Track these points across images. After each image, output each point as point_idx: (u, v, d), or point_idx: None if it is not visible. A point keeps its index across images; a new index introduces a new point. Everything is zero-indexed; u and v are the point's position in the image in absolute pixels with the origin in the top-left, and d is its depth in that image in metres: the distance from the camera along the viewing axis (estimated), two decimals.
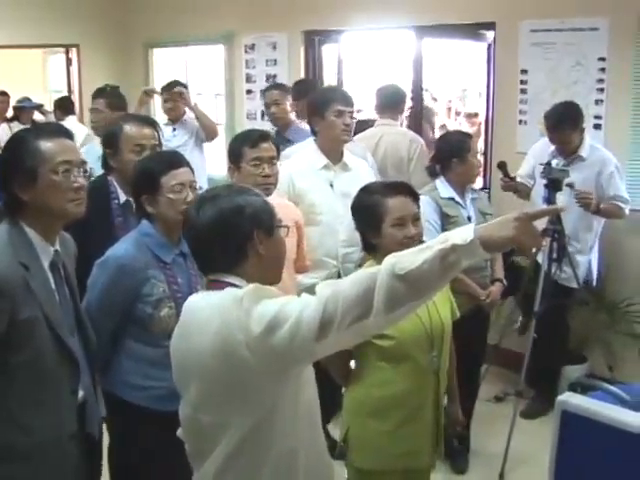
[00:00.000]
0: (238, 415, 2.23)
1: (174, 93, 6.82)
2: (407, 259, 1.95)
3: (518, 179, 5.34)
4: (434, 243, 1.95)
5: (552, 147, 5.25)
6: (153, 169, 3.17)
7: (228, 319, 2.15)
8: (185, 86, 7.09)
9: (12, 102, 9.25)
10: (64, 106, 8.77)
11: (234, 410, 2.23)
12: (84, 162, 2.65)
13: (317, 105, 4.49)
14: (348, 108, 4.40)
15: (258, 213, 2.32)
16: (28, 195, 2.52)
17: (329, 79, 7.82)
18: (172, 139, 6.67)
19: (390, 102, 5.83)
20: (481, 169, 4.77)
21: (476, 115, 9.34)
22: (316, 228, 4.01)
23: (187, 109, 6.94)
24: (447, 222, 4.34)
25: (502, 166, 5.09)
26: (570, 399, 2.05)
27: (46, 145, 2.55)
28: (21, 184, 2.52)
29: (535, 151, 5.51)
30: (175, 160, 3.22)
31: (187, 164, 3.23)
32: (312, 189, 4.32)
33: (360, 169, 4.55)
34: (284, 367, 2.17)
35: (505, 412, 5.08)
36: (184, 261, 3.20)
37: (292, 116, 6.16)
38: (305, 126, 5.32)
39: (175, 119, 6.94)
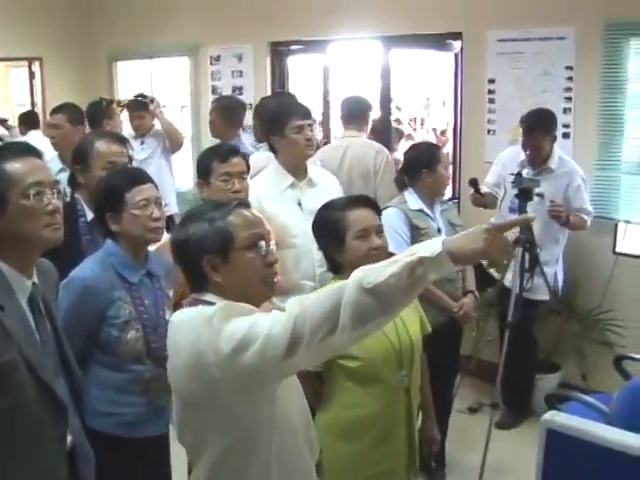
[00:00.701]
0: (213, 434, 2.23)
1: (138, 103, 6.78)
2: (374, 273, 1.91)
3: (485, 188, 5.32)
4: (402, 257, 1.91)
5: (521, 157, 5.23)
6: (117, 185, 3.10)
7: (199, 339, 2.13)
8: (151, 99, 7.03)
9: None
10: (29, 121, 8.65)
11: (209, 429, 2.23)
12: (57, 182, 2.42)
13: (274, 122, 4.27)
14: (307, 121, 4.19)
15: (202, 242, 2.29)
16: (0, 224, 2.29)
17: (295, 91, 7.77)
18: (140, 152, 6.62)
19: (355, 113, 5.73)
20: (450, 180, 4.70)
21: (443, 133, 9.40)
22: (291, 251, 3.76)
23: (156, 121, 6.90)
24: (417, 234, 4.29)
25: (474, 183, 5.05)
26: (555, 418, 2.01)
27: (14, 167, 2.31)
28: None
29: (503, 159, 5.49)
30: (139, 176, 3.17)
31: (151, 180, 3.17)
32: (281, 211, 4.06)
33: (325, 182, 4.38)
34: (255, 385, 2.14)
35: (479, 423, 5.06)
36: (150, 281, 3.14)
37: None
38: None
39: (143, 132, 6.88)
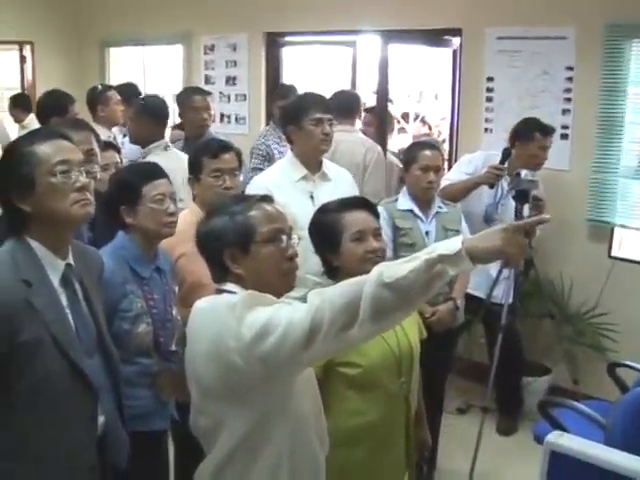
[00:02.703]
0: (229, 420, 2.28)
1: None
2: (394, 268, 1.97)
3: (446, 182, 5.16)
4: (422, 254, 1.96)
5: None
6: (133, 179, 3.15)
7: (221, 326, 2.20)
8: (137, 89, 6.95)
9: None
10: (23, 103, 8.53)
11: (225, 415, 2.29)
12: (85, 161, 2.48)
13: (293, 113, 4.21)
14: (327, 115, 4.14)
15: (224, 235, 2.38)
16: (29, 205, 2.34)
17: (289, 81, 7.70)
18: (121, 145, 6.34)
19: (346, 107, 5.64)
20: (432, 183, 4.46)
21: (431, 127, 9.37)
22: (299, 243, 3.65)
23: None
24: (398, 235, 4.25)
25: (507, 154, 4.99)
26: (559, 440, 1.94)
27: (40, 148, 2.36)
28: (20, 194, 2.34)
29: (481, 161, 5.26)
30: (155, 171, 3.23)
31: (166, 175, 3.22)
32: (291, 203, 3.87)
33: (339, 178, 4.31)
34: (273, 374, 2.18)
35: (468, 425, 5.05)
36: (159, 276, 3.17)
37: None
38: None
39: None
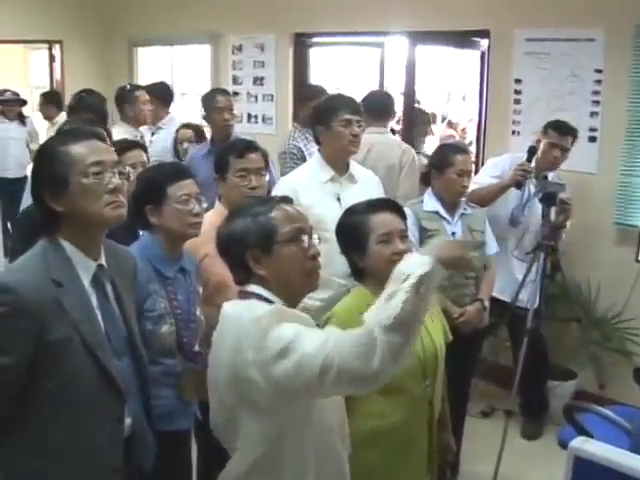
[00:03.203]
0: (248, 431, 2.29)
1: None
2: (383, 309, 2.04)
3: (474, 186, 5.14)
4: (397, 284, 2.05)
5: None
6: (159, 179, 3.14)
7: (243, 336, 2.21)
8: (167, 88, 6.98)
9: None
10: (54, 100, 8.58)
11: (242, 426, 2.30)
12: (119, 162, 2.45)
13: (322, 113, 4.19)
14: (356, 117, 4.11)
15: (245, 236, 2.38)
16: (61, 205, 2.33)
17: (316, 82, 7.69)
18: (149, 144, 6.35)
19: (379, 109, 5.62)
20: (465, 187, 4.46)
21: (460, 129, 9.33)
22: (324, 245, 3.50)
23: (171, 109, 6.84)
24: (425, 235, 4.23)
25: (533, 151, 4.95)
26: (583, 446, 1.92)
27: (74, 148, 2.35)
28: (53, 194, 2.33)
29: (507, 163, 5.20)
30: (181, 171, 3.24)
31: (192, 176, 3.21)
32: (318, 204, 3.92)
33: (367, 180, 4.30)
34: (290, 396, 2.20)
35: (492, 428, 5.01)
36: (183, 277, 3.17)
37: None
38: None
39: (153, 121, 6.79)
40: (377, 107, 5.56)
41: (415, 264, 2.06)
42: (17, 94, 8.77)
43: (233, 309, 2.36)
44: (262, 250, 2.36)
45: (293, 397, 2.19)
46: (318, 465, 2.35)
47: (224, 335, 2.32)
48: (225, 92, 5.92)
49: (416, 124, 6.60)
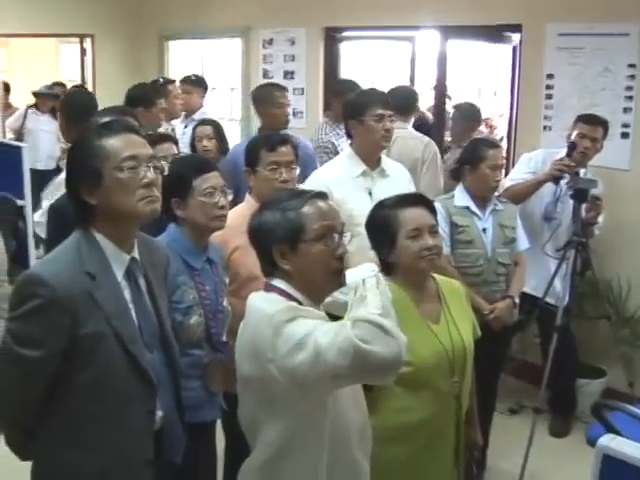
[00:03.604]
0: (264, 426, 2.32)
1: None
2: (366, 308, 2.17)
3: (509, 182, 5.09)
4: (357, 291, 2.26)
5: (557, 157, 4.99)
6: (184, 172, 3.16)
7: (258, 331, 2.24)
8: (199, 82, 6.98)
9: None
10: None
11: (259, 420, 2.34)
12: (153, 156, 2.44)
13: (355, 108, 4.20)
14: (388, 112, 4.14)
15: (273, 230, 2.37)
16: (96, 198, 2.33)
17: (347, 77, 7.68)
18: (181, 137, 6.37)
19: (402, 104, 5.59)
20: (498, 181, 4.44)
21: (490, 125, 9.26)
22: (355, 240, 3.47)
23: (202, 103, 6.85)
24: (455, 231, 4.25)
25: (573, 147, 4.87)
26: (611, 443, 1.90)
27: (110, 142, 2.34)
28: (88, 187, 2.33)
29: (541, 158, 5.16)
30: (206, 164, 3.26)
31: (217, 168, 3.24)
32: (350, 198, 3.95)
33: (398, 174, 4.31)
34: (304, 388, 2.19)
35: (520, 425, 5.00)
36: (210, 268, 3.19)
37: None
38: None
39: (189, 113, 6.80)
40: (401, 102, 5.54)
41: (362, 272, 2.27)
42: (64, 85, 8.84)
43: (254, 302, 2.38)
44: (289, 246, 2.35)
45: (309, 390, 2.20)
46: (332, 468, 2.35)
47: (245, 328, 2.35)
48: (283, 88, 5.95)
49: (460, 119, 6.52)
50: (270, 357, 2.17)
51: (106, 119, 3.64)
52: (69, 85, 9.42)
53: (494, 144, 4.54)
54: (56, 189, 4.36)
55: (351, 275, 2.27)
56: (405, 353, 2.12)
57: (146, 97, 5.52)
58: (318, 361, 2.09)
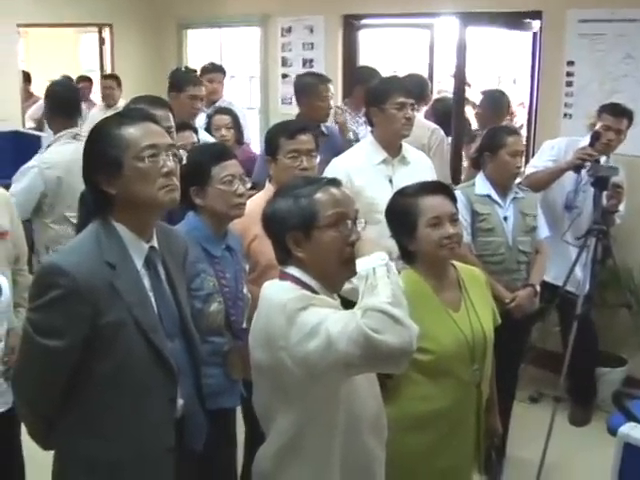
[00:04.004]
0: (278, 414, 2.34)
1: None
2: (377, 297, 2.15)
3: (531, 170, 5.08)
4: (368, 280, 2.22)
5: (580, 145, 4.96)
6: (203, 160, 3.16)
7: (270, 319, 2.26)
8: (221, 69, 6.97)
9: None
10: (119, 84, 8.62)
11: (275, 400, 2.35)
12: (172, 145, 2.43)
13: (376, 95, 4.21)
14: (410, 100, 4.14)
15: (286, 218, 2.36)
16: (115, 188, 2.32)
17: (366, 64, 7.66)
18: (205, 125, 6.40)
19: (415, 92, 5.61)
20: (519, 168, 4.42)
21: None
22: (375, 227, 3.34)
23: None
24: (477, 220, 4.24)
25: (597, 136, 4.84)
26: (632, 432, 1.89)
27: (129, 131, 2.33)
28: (107, 177, 2.31)
29: (563, 146, 5.13)
30: (224, 152, 3.26)
31: (236, 156, 3.23)
32: (370, 186, 3.99)
33: (419, 162, 4.31)
34: (316, 376, 2.20)
35: (540, 414, 4.96)
36: (230, 255, 3.20)
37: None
38: None
39: (210, 102, 6.79)
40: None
41: (373, 260, 2.23)
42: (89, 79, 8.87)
43: (268, 291, 2.39)
44: (302, 233, 2.34)
45: (321, 379, 2.20)
46: (345, 456, 2.36)
47: (258, 316, 2.37)
48: (327, 80, 5.89)
49: (490, 107, 6.48)
50: (283, 345, 2.19)
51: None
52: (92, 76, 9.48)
53: (513, 131, 4.52)
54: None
55: (361, 264, 2.27)
56: (415, 342, 2.12)
57: (176, 83, 5.50)
58: (330, 350, 2.10)
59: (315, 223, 2.33)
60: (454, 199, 3.05)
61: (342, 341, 2.08)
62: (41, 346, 2.27)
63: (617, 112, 4.91)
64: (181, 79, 5.82)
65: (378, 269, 2.19)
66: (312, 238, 2.34)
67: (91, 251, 2.31)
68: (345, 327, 2.09)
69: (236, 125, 5.76)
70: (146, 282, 2.42)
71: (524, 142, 6.07)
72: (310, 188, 2.39)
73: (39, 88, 9.37)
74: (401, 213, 3.00)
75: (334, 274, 2.38)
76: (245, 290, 3.24)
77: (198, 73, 6.69)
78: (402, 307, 2.13)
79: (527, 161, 5.47)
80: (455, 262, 3.10)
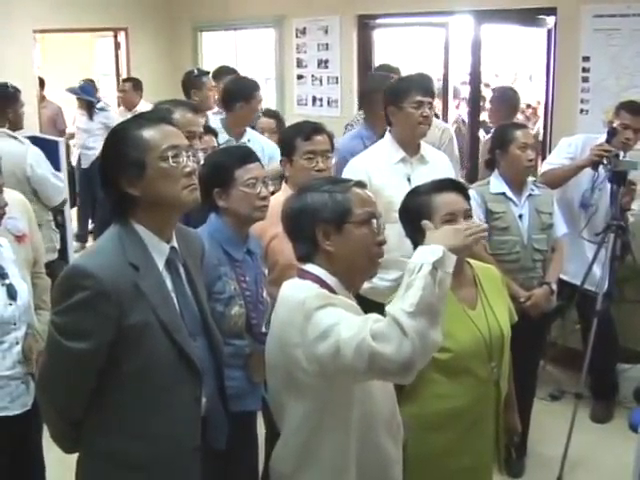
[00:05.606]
0: (291, 411, 2.37)
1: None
2: (404, 300, 2.09)
3: (547, 167, 5.05)
4: (411, 275, 2.13)
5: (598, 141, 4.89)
6: (227, 162, 3.17)
7: (289, 318, 2.29)
8: (234, 72, 6.97)
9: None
10: (139, 86, 8.63)
11: (286, 411, 2.38)
12: (191, 146, 2.47)
13: (394, 94, 4.19)
14: (427, 98, 4.12)
15: (320, 210, 2.40)
16: (138, 189, 2.33)
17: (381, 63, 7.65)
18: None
19: None
20: (532, 161, 4.38)
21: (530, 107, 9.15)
22: (395, 226, 3.29)
23: None
24: (491, 218, 4.22)
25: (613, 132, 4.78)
26: None
27: (149, 133, 2.35)
28: (129, 179, 2.32)
29: (581, 143, 5.04)
30: (248, 154, 3.26)
31: (259, 159, 3.24)
32: (389, 185, 3.96)
33: (438, 161, 4.30)
34: (330, 378, 2.23)
35: (561, 411, 4.97)
36: (251, 259, 3.21)
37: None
38: None
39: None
40: None
41: (427, 253, 2.15)
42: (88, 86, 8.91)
43: (287, 290, 2.42)
44: (334, 226, 2.38)
45: (332, 379, 2.23)
46: (360, 455, 2.37)
47: (276, 314, 2.40)
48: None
49: (501, 104, 6.46)
50: (298, 342, 2.22)
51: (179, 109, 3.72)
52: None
53: (520, 125, 4.55)
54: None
55: (417, 255, 2.20)
56: (417, 358, 2.09)
57: (246, 91, 5.49)
58: (337, 357, 2.13)
59: (349, 218, 2.38)
60: (467, 196, 3.04)
61: (349, 352, 2.10)
62: (67, 349, 2.28)
63: (635, 110, 4.85)
64: (187, 83, 5.86)
65: (425, 266, 2.12)
66: (344, 232, 2.38)
67: (115, 253, 2.32)
68: (355, 336, 2.10)
69: (281, 129, 5.74)
70: (168, 283, 2.44)
71: (540, 138, 6.08)
72: (341, 186, 2.46)
73: (56, 94, 9.45)
74: (415, 211, 2.97)
75: (359, 270, 2.43)
76: (265, 294, 3.24)
77: (210, 75, 6.71)
78: (425, 316, 2.08)
79: (544, 158, 5.45)
80: (471, 260, 3.09)
